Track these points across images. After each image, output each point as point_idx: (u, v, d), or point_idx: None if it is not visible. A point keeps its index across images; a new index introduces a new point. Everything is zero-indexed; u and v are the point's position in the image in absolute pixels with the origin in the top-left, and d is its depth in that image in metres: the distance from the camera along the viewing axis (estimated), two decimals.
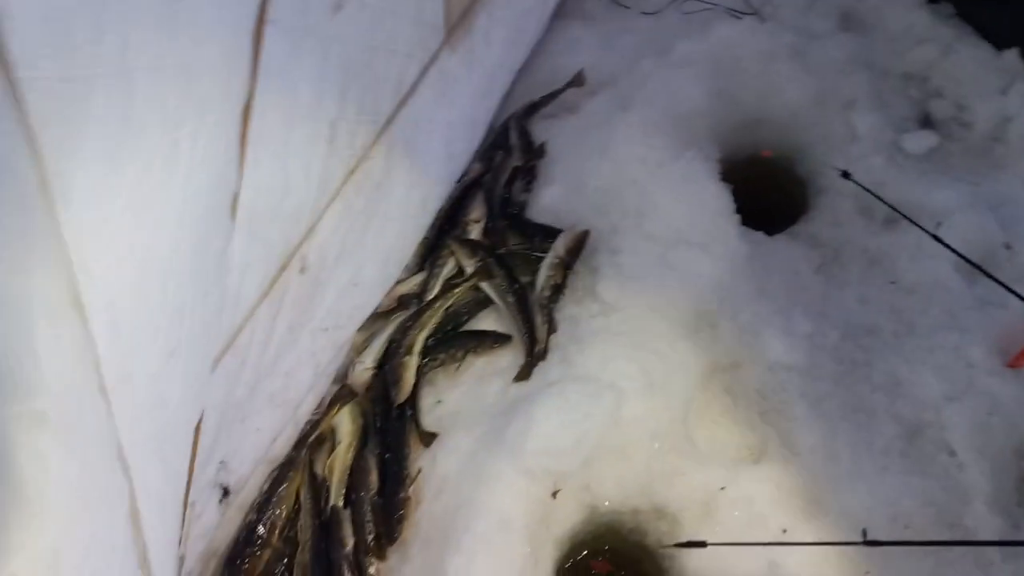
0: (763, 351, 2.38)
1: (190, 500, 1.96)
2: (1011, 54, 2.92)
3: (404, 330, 2.41)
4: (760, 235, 2.64)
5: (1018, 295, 2.32)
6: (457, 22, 2.48)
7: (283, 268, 2.05)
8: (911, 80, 3.04)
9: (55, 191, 0.88)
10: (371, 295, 2.42)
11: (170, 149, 1.26)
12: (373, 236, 2.33)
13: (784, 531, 2.10)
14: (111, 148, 1.06)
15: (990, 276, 2.37)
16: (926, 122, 2.97)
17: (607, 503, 2.16)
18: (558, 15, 3.31)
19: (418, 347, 2.39)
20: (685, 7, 3.28)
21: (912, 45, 3.05)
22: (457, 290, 2.50)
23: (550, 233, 2.64)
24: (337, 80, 1.98)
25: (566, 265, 2.57)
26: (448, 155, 2.63)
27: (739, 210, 2.62)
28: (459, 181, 2.76)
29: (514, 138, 2.88)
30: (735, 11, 3.13)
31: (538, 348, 2.38)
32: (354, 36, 1.98)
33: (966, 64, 2.96)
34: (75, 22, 0.90)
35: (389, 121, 2.28)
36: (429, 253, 2.63)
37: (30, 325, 0.85)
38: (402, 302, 2.52)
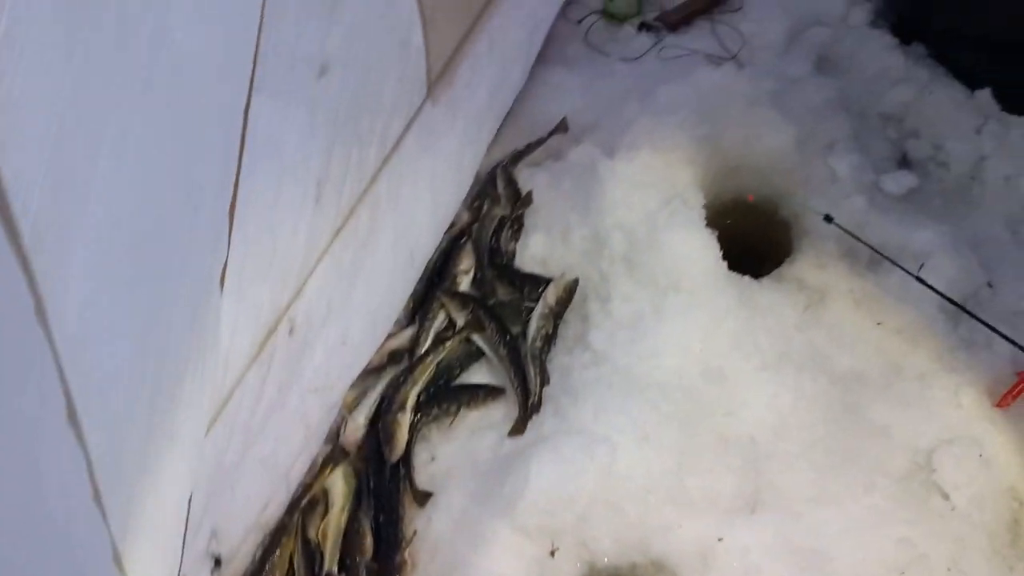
0: (754, 397, 2.38)
1: (182, 574, 1.92)
2: (984, 94, 2.98)
3: (396, 386, 2.39)
4: (747, 279, 2.65)
5: (1002, 335, 2.35)
6: (439, 75, 2.50)
7: (271, 331, 2.03)
8: (888, 121, 3.08)
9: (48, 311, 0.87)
10: (361, 353, 2.40)
11: (158, 231, 1.25)
12: (361, 293, 2.32)
13: None
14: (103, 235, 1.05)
15: (974, 316, 2.41)
16: (904, 162, 3.01)
17: (605, 559, 2.13)
18: (540, 61, 3.34)
19: (411, 403, 2.36)
20: (664, 53, 3.33)
21: (888, 87, 3.10)
22: (448, 343, 2.49)
23: (539, 282, 2.64)
24: (323, 140, 1.98)
25: (556, 314, 2.57)
26: (435, 206, 2.63)
27: (726, 255, 2.63)
28: (447, 232, 2.76)
29: (501, 187, 2.89)
30: (714, 56, 3.18)
31: (532, 401, 2.37)
32: (339, 97, 1.99)
33: (941, 104, 3.01)
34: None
35: (374, 177, 2.28)
36: (419, 306, 2.62)
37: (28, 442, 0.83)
38: (393, 357, 2.51)
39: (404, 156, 2.38)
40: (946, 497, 2.18)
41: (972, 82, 3.02)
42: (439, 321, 2.56)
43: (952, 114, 2.99)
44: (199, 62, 1.22)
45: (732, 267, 2.64)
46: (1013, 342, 2.33)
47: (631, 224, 2.60)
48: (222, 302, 1.75)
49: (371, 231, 2.29)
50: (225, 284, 1.75)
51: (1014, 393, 2.28)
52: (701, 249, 2.54)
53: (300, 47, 1.80)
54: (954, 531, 2.13)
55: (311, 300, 2.14)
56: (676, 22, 3.45)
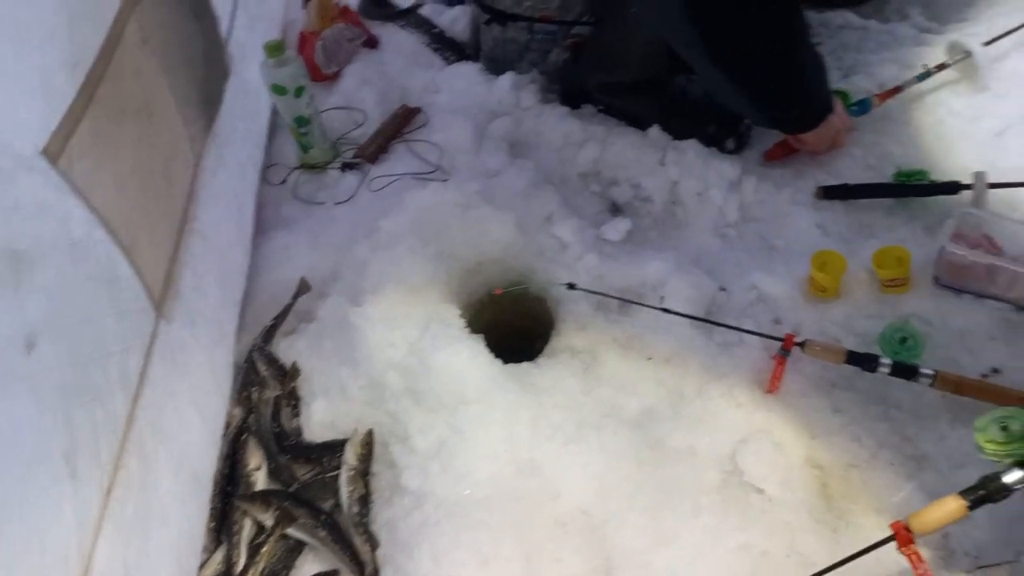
0: (570, 473, 2.48)
1: None
2: (654, 131, 3.37)
3: None
4: (525, 365, 2.77)
5: (746, 330, 2.64)
6: (162, 292, 2.43)
7: None
8: (588, 179, 3.39)
9: None
10: None
11: None
12: (157, 538, 2.17)
13: None
14: None
15: (719, 324, 2.68)
16: (615, 210, 3.32)
17: None
18: (260, 232, 3.34)
19: None
20: (373, 185, 3.45)
21: (576, 150, 3.42)
22: (264, 549, 2.37)
23: (336, 447, 2.60)
24: (56, 413, 1.85)
25: (363, 472, 2.54)
26: (204, 419, 2.52)
27: (498, 351, 2.74)
28: (224, 435, 2.66)
29: (263, 369, 2.83)
30: (418, 175, 3.34)
31: (368, 571, 2.31)
32: (59, 363, 1.88)
33: (624, 151, 3.37)
34: None
35: (129, 420, 2.15)
36: (221, 524, 2.48)
37: None
38: None
39: (155, 386, 2.27)
40: (760, 491, 2.38)
41: (641, 124, 3.41)
42: (248, 530, 2.43)
43: (636, 155, 3.35)
44: None
45: (508, 359, 2.75)
46: (757, 333, 2.63)
47: (400, 360, 2.65)
48: None
49: (145, 474, 2.16)
50: None
51: (775, 376, 2.55)
52: (472, 358, 2.63)
53: None
54: (780, 519, 2.32)
55: (103, 572, 1.96)
56: (373, 153, 3.60)
